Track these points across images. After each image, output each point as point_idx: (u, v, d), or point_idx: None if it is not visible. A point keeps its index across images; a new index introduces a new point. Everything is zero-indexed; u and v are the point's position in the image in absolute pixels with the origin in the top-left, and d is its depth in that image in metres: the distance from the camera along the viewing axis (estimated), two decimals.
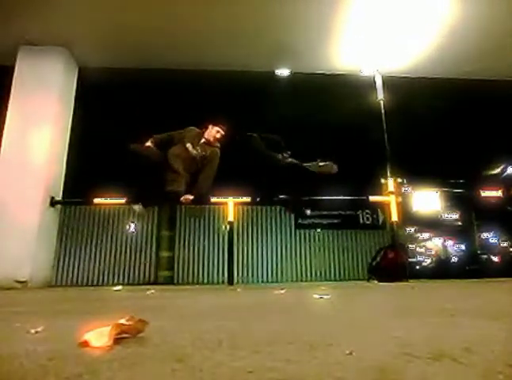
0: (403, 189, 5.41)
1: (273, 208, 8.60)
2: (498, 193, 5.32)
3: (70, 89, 5.37)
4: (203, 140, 4.22)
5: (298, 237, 8.95)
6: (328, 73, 5.92)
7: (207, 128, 4.31)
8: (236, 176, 4.67)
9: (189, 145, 4.04)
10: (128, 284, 7.60)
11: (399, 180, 5.22)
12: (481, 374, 0.51)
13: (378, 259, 5.55)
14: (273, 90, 6.91)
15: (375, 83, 5.70)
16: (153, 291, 2.93)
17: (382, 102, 5.53)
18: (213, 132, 4.23)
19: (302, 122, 8.12)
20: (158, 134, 4.29)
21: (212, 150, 4.21)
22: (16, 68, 4.96)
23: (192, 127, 4.35)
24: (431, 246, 9.59)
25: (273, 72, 5.94)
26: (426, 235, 9.67)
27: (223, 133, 4.25)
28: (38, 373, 0.54)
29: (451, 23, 4.81)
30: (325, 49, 5.34)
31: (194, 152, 4.05)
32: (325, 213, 9.05)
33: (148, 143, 4.19)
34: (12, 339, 0.85)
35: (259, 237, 8.57)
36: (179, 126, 4.58)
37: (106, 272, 8.32)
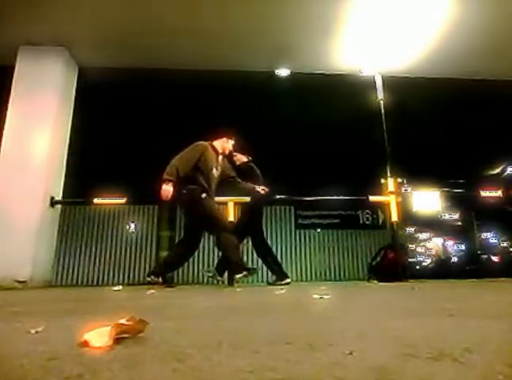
0: (403, 189, 5.40)
1: (273, 208, 8.61)
2: (498, 193, 5.32)
3: (70, 89, 5.37)
4: (220, 157, 4.21)
5: (298, 237, 8.96)
6: (328, 73, 5.92)
7: (215, 139, 4.23)
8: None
9: (214, 171, 4.09)
10: (128, 284, 7.60)
11: (399, 180, 5.22)
12: (481, 374, 0.51)
13: (378, 259, 5.55)
14: (273, 90, 6.92)
15: (375, 83, 5.71)
16: (153, 291, 2.93)
17: (382, 102, 5.54)
18: (229, 146, 4.33)
19: (302, 122, 8.13)
20: (172, 173, 3.80)
21: (224, 160, 4.37)
22: (16, 68, 4.96)
23: (201, 143, 4.08)
24: (431, 246, 9.59)
25: (273, 72, 5.94)
26: (425, 235, 9.67)
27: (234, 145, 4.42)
28: (38, 373, 0.54)
29: (450, 23, 4.82)
30: (325, 49, 5.34)
31: (219, 174, 4.18)
32: (325, 213, 9.05)
33: (170, 188, 3.75)
34: (12, 339, 0.85)
35: None
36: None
37: (106, 272, 8.33)
